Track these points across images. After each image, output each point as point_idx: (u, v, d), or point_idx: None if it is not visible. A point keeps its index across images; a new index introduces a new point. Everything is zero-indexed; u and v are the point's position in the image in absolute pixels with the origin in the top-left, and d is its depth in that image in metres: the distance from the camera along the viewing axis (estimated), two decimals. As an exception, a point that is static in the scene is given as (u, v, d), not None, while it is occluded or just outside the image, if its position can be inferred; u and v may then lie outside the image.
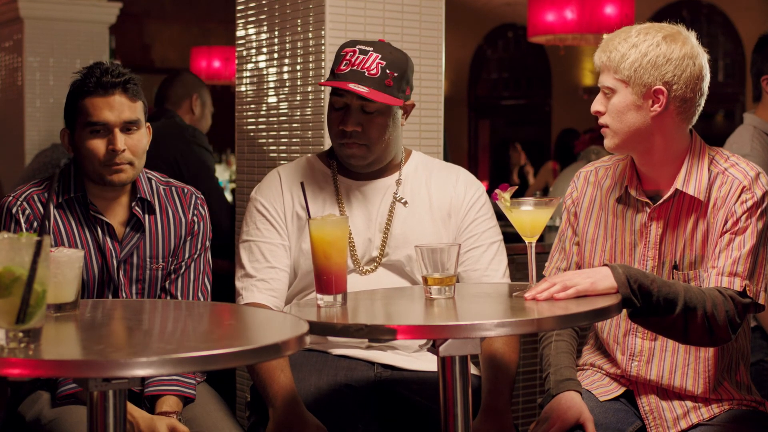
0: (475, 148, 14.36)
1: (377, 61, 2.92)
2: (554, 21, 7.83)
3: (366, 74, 2.90)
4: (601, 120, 2.74)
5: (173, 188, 3.07)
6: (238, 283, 3.04)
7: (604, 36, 2.85)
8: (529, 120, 13.96)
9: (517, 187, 2.65)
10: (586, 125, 10.05)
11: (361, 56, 2.92)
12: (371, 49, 2.94)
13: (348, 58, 2.92)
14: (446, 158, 3.53)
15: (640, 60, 2.68)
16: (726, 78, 11.31)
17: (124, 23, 8.12)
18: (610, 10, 7.76)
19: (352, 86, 2.88)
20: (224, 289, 3.46)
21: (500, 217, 2.99)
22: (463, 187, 3.11)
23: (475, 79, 14.37)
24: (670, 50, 2.69)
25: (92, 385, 1.96)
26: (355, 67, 2.91)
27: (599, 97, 2.75)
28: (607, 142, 2.76)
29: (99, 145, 2.86)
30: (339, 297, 2.53)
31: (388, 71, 2.92)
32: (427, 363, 2.96)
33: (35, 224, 2.88)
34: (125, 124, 2.88)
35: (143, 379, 2.88)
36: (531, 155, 11.36)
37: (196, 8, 13.48)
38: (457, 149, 13.44)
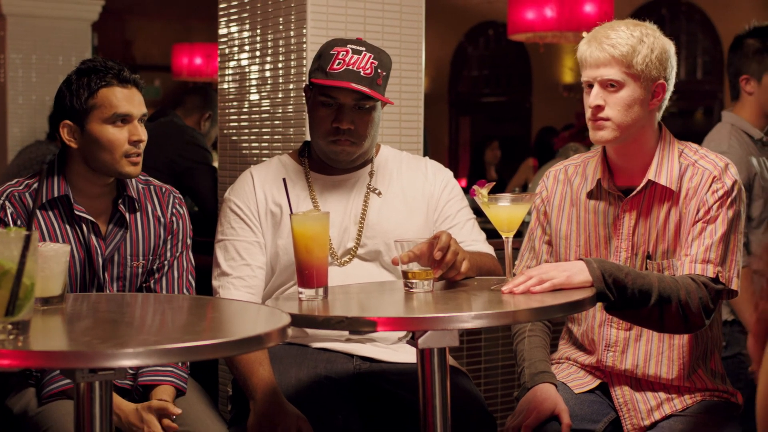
0: (456, 145, 14.41)
1: (371, 61, 2.99)
2: (534, 19, 7.87)
3: (362, 73, 2.97)
4: (603, 113, 2.77)
5: (152, 187, 3.10)
6: (215, 282, 3.10)
7: (595, 30, 2.86)
8: (509, 117, 14.00)
9: (494, 183, 2.70)
10: (566, 122, 10.13)
11: (355, 56, 2.99)
12: (364, 49, 3.01)
13: (341, 57, 2.98)
14: (426, 156, 3.60)
15: (650, 55, 2.75)
16: (705, 75, 11.38)
17: (106, 20, 8.14)
18: (589, 8, 7.80)
19: (355, 85, 2.95)
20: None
21: (478, 213, 3.06)
22: (433, 174, 3.21)
23: (456, 76, 14.41)
24: (668, 46, 2.80)
25: (79, 376, 2.01)
26: (350, 67, 2.97)
27: (598, 91, 2.78)
28: (605, 134, 2.79)
29: (121, 136, 2.89)
30: (320, 290, 2.58)
31: (379, 71, 3.00)
32: (406, 355, 3.01)
33: (19, 222, 2.91)
34: (142, 116, 2.94)
35: (134, 374, 2.93)
36: (511, 152, 11.42)
37: (177, 5, 13.48)
38: (438, 146, 13.48)
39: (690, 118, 11.62)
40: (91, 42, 7.30)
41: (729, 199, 2.75)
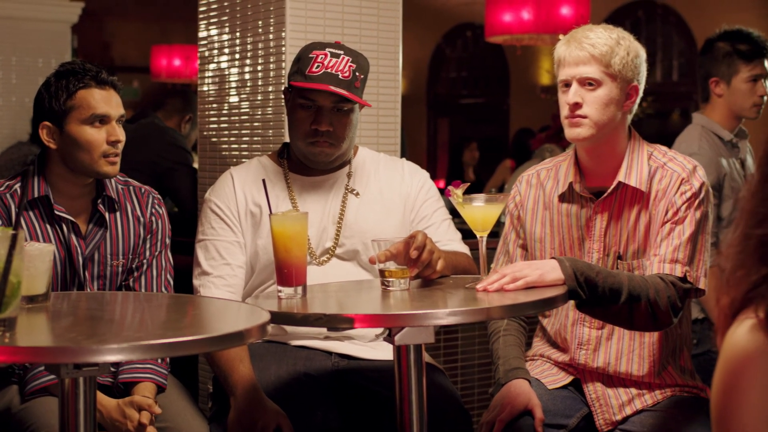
0: (434, 146, 14.46)
1: (349, 64, 3.05)
2: (511, 21, 7.90)
3: (340, 76, 3.03)
4: (581, 111, 2.85)
5: (131, 188, 3.15)
6: (196, 281, 3.15)
7: (573, 31, 2.93)
8: (487, 118, 14.06)
9: (469, 184, 2.77)
10: (543, 124, 10.21)
11: (334, 59, 3.04)
12: (342, 52, 3.06)
13: (320, 60, 3.04)
14: (404, 157, 3.66)
15: (626, 57, 2.84)
16: (680, 77, 11.47)
17: (85, 21, 8.16)
18: (566, 10, 7.84)
19: (334, 88, 3.01)
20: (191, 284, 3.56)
21: (453, 213, 3.12)
22: (409, 175, 3.27)
23: (434, 77, 14.46)
24: (641, 51, 2.89)
25: (64, 372, 2.06)
26: (329, 70, 3.03)
27: (577, 89, 2.85)
28: (582, 132, 2.86)
29: (99, 136, 2.94)
30: (299, 289, 2.63)
31: (357, 74, 3.06)
32: (383, 352, 3.07)
33: (0, 222, 2.95)
34: (120, 117, 2.99)
35: (115, 370, 2.98)
36: (489, 153, 11.48)
37: (156, 6, 13.48)
38: (416, 147, 13.52)
39: (667, 119, 11.71)
40: (70, 44, 7.33)
41: (697, 201, 2.82)
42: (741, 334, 1.59)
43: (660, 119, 11.65)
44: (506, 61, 13.41)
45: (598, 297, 2.66)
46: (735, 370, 1.59)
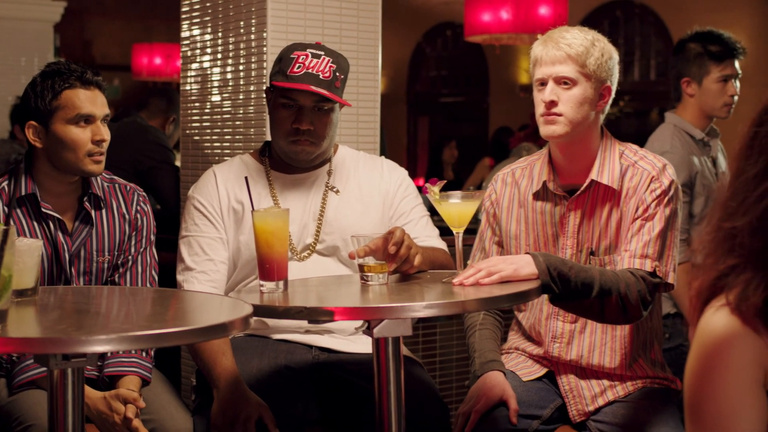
0: (414, 145, 14.49)
1: (329, 64, 3.12)
2: (490, 21, 7.93)
3: (321, 77, 3.09)
4: (557, 109, 2.92)
5: (117, 185, 3.21)
6: (179, 277, 3.21)
7: (550, 32, 3.00)
8: (467, 117, 14.10)
9: (446, 181, 2.84)
10: (523, 122, 10.28)
11: (315, 60, 3.11)
12: (323, 53, 3.13)
13: (301, 61, 3.10)
14: (384, 155, 3.73)
15: (601, 58, 2.93)
16: (658, 77, 11.55)
17: (66, 20, 8.20)
18: (544, 10, 7.88)
19: (314, 88, 3.07)
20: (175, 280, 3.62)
21: (432, 211, 3.20)
22: (388, 172, 3.34)
23: (415, 76, 14.51)
24: (614, 53, 2.98)
25: (53, 363, 2.13)
26: (309, 70, 3.09)
27: (553, 88, 2.93)
28: (557, 129, 2.93)
29: (84, 135, 3.00)
30: (281, 283, 2.70)
31: (337, 74, 3.13)
32: (362, 346, 3.13)
33: None
34: (105, 117, 3.05)
35: (101, 363, 3.04)
36: (469, 152, 11.53)
37: (137, 5, 13.48)
38: (396, 145, 13.56)
39: (645, 118, 11.79)
40: (53, 43, 7.36)
41: (666, 198, 2.91)
42: (716, 319, 1.67)
43: (638, 118, 11.74)
44: (486, 60, 13.46)
45: (571, 291, 2.73)
46: (710, 354, 1.66)
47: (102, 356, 3.04)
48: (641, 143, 3.99)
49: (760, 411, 1.66)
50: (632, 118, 11.58)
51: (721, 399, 1.65)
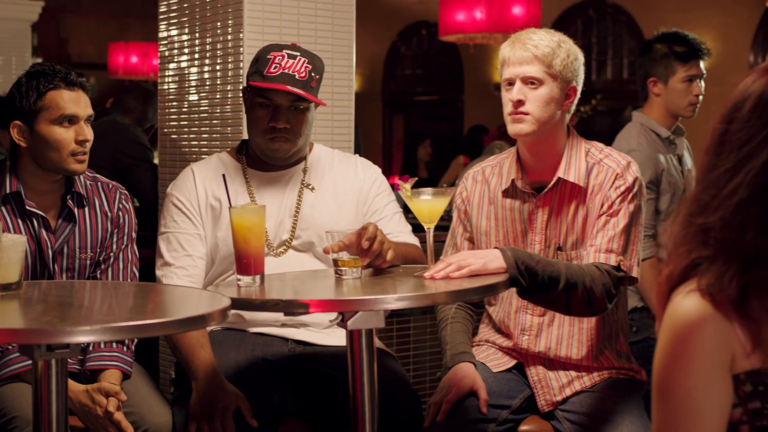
0: (390, 143, 14.51)
1: (305, 65, 3.19)
2: (464, 20, 7.94)
3: (296, 77, 3.17)
4: (524, 108, 3.00)
5: (99, 183, 3.28)
6: (158, 272, 3.27)
7: (517, 33, 3.08)
8: (442, 115, 14.12)
9: (417, 178, 2.92)
10: (498, 121, 10.32)
11: (291, 60, 3.18)
12: (298, 54, 3.21)
13: (278, 61, 3.17)
14: (359, 153, 3.80)
15: (567, 59, 3.01)
16: (631, 75, 11.59)
17: (42, 18, 8.22)
18: (517, 10, 7.91)
19: (291, 88, 3.15)
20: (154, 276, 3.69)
21: (406, 209, 3.27)
22: (362, 170, 3.42)
23: (390, 75, 14.52)
24: (580, 55, 3.07)
25: (38, 354, 2.20)
26: (286, 71, 3.17)
27: (521, 87, 3.01)
28: (525, 127, 3.01)
29: (68, 135, 3.06)
30: (257, 277, 2.77)
31: (313, 74, 3.21)
32: (337, 339, 3.21)
33: None
34: (88, 117, 3.12)
35: (82, 357, 3.10)
36: (444, 150, 11.58)
37: (112, 3, 13.45)
38: (372, 143, 13.58)
39: (619, 116, 11.85)
40: (30, 42, 7.38)
41: (630, 195, 2.99)
42: (687, 303, 1.73)
43: (612, 116, 11.81)
44: (460, 59, 13.49)
45: (538, 284, 2.81)
46: (681, 337, 1.73)
47: (84, 350, 3.11)
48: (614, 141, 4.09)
49: (725, 394, 1.73)
50: (606, 116, 11.65)
51: (690, 380, 1.71)
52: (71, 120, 3.08)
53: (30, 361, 2.86)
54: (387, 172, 3.30)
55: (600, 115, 11.62)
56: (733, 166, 1.75)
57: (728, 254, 1.73)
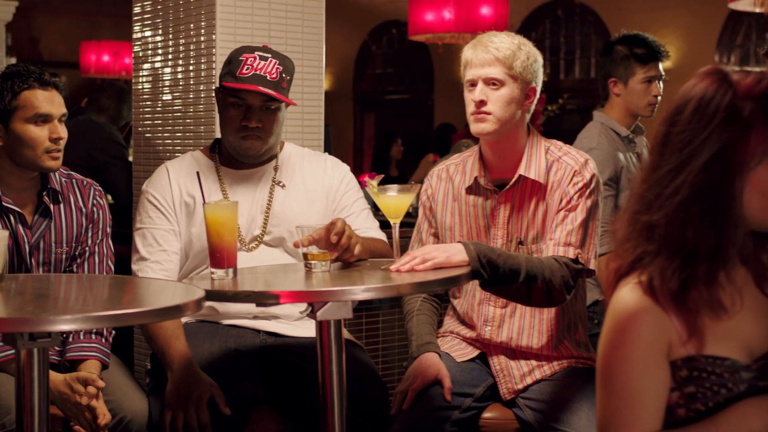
0: (361, 141, 14.54)
1: (276, 66, 3.30)
2: (433, 21, 7.96)
3: (268, 78, 3.27)
4: (486, 108, 3.11)
5: (74, 180, 3.36)
6: (134, 266, 3.36)
7: (479, 37, 3.22)
8: (412, 114, 14.18)
9: (383, 176, 3.03)
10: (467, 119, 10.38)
11: (262, 62, 3.28)
12: (270, 55, 3.31)
13: (250, 63, 3.27)
14: (329, 151, 3.90)
15: (527, 61, 3.13)
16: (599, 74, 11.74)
17: (13, 17, 8.25)
18: (485, 10, 7.93)
19: (262, 89, 3.25)
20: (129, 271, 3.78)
21: (376, 207, 3.37)
22: (332, 168, 3.52)
23: (361, 73, 14.57)
24: (539, 57, 3.19)
25: (20, 343, 2.29)
26: (257, 72, 3.26)
27: (483, 88, 3.13)
28: (487, 127, 3.12)
29: (42, 134, 3.15)
30: (230, 271, 2.87)
31: (283, 75, 3.31)
32: (306, 330, 3.31)
33: None
34: (62, 116, 3.21)
35: (61, 349, 3.19)
36: (414, 148, 11.65)
37: (84, 2, 13.42)
38: (343, 142, 13.62)
39: (587, 115, 11.91)
40: (5, 42, 7.42)
41: (588, 191, 3.11)
42: (627, 295, 1.85)
43: (580, 115, 11.91)
44: (431, 58, 13.54)
45: (499, 277, 2.91)
46: (621, 327, 1.84)
47: (63, 342, 3.20)
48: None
49: (664, 380, 1.85)
50: (574, 115, 11.75)
51: (630, 366, 1.83)
52: (45, 119, 3.16)
53: (11, 351, 2.97)
54: (358, 170, 3.38)
55: (569, 114, 11.73)
56: (675, 166, 1.86)
57: (671, 250, 1.84)
